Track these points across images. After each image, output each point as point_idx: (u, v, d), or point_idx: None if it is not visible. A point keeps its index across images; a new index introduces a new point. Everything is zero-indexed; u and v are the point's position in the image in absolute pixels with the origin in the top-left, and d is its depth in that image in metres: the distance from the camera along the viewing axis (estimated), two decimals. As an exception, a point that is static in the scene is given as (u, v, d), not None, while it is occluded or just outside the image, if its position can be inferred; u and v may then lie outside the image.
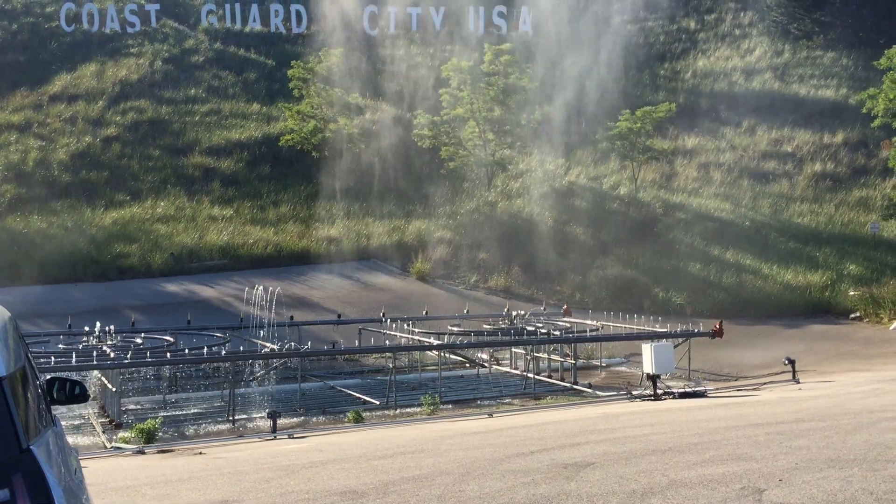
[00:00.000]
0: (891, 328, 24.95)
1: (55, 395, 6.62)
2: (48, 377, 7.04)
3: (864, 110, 35.36)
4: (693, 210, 34.59)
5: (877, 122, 34.29)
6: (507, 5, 50.53)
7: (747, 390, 17.90)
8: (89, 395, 7.83)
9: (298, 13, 49.93)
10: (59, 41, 46.44)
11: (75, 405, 7.88)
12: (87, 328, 19.22)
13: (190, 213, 33.51)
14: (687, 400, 16.59)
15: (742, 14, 52.23)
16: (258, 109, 41.79)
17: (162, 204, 33.96)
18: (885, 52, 34.37)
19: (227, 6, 49.85)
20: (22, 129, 38.49)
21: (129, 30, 47.62)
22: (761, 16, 51.05)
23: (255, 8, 49.77)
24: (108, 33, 47.25)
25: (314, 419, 16.58)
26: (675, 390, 17.69)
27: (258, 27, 49.36)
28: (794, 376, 18.56)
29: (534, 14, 49.93)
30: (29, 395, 5.27)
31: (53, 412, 6.54)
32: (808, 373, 19.33)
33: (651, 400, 16.84)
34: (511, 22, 50.07)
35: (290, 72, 38.38)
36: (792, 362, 18.76)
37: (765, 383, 18.77)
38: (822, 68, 46.26)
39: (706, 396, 17.01)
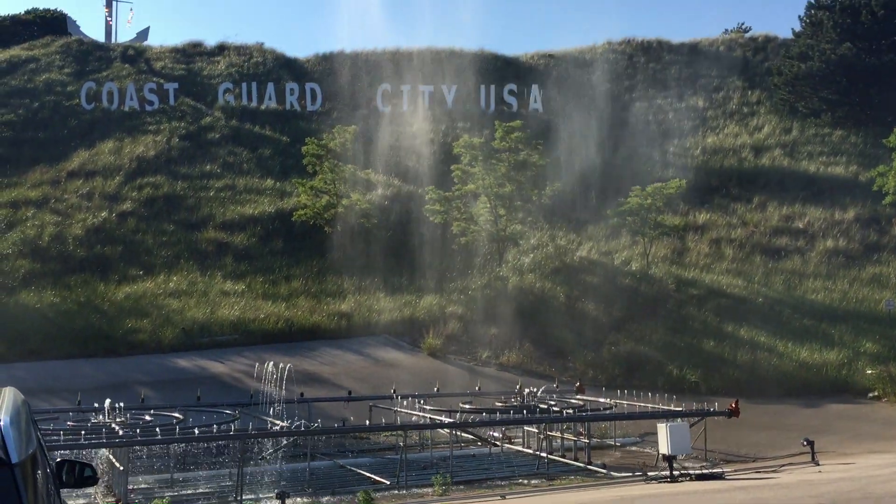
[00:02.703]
0: (910, 408, 24.51)
1: (64, 479, 6.55)
2: (58, 459, 6.97)
3: (875, 188, 35.53)
4: (705, 286, 34.46)
5: (888, 200, 34.40)
6: (518, 84, 51.50)
7: (766, 472, 17.51)
8: (98, 478, 7.72)
9: (313, 91, 51.01)
10: (79, 119, 47.44)
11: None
12: (96, 405, 19.09)
13: (202, 287, 33.60)
14: (704, 482, 16.23)
15: (749, 93, 53.00)
16: (272, 185, 42.31)
17: (175, 278, 34.10)
18: (894, 129, 34.73)
19: (244, 85, 51.01)
20: (39, 205, 39.01)
21: (148, 108, 48.69)
22: (769, 94, 51.79)
23: (270, 86, 50.88)
24: (126, 111, 48.31)
25: (323, 500, 16.27)
26: (691, 472, 17.32)
27: (273, 105, 50.39)
28: (813, 458, 18.17)
29: (544, 92, 50.84)
30: (39, 480, 5.21)
31: (62, 495, 6.46)
32: (828, 454, 18.92)
33: (667, 482, 16.48)
34: (521, 100, 50.95)
35: (304, 148, 38.98)
36: (811, 443, 18.38)
37: (783, 465, 18.36)
38: (830, 146, 46.65)
39: (724, 479, 16.64)
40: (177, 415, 19.20)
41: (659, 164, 45.37)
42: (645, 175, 40.32)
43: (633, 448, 22.07)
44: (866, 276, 35.43)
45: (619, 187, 38.22)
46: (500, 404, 22.11)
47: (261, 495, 16.61)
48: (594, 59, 56.42)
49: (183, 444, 18.42)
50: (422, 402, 22.12)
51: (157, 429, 17.02)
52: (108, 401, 18.85)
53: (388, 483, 17.32)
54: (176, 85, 50.49)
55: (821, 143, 47.07)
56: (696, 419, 19.84)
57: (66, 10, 63.68)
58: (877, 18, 47.96)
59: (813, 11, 50.86)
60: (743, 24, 67.63)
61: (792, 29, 54.50)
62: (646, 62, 56.45)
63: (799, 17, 52.83)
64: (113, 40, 61.64)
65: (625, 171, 41.04)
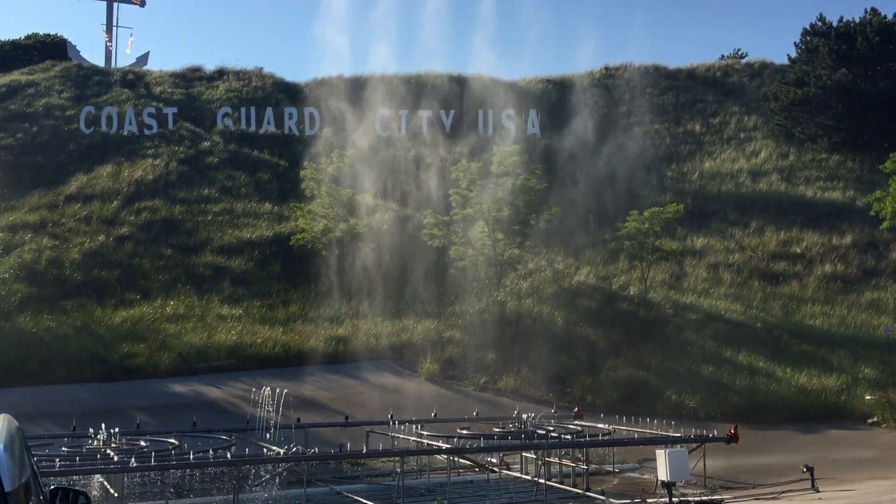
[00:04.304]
0: (910, 433, 24.39)
1: (57, 507, 6.47)
2: (52, 487, 6.89)
3: (872, 213, 35.59)
4: (704, 311, 34.41)
5: (885, 225, 34.44)
6: (516, 108, 51.73)
7: (765, 499, 17.39)
8: (92, 506, 7.63)
9: (312, 116, 51.20)
10: (78, 143, 47.54)
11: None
12: (91, 430, 18.94)
13: (199, 311, 33.50)
14: (703, 509, 16.10)
15: (746, 118, 53.26)
16: (270, 209, 42.33)
17: (171, 303, 34.00)
18: (890, 155, 34.85)
19: (243, 109, 51.22)
20: (36, 229, 38.97)
21: (147, 132, 48.82)
22: (765, 119, 52.04)
23: (269, 111, 51.11)
24: (125, 135, 48.42)
25: (320, 527, 16.11)
26: (690, 498, 17.19)
27: (272, 129, 50.56)
28: (812, 484, 18.06)
29: (542, 117, 51.07)
30: (31, 509, 5.14)
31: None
32: (827, 481, 18.80)
33: (666, 509, 16.35)
34: (519, 124, 51.16)
35: (302, 172, 39.03)
36: (810, 470, 18.27)
37: (783, 492, 18.24)
38: (827, 171, 46.81)
39: (723, 505, 16.52)
40: (172, 441, 19.05)
41: (656, 189, 45.49)
42: (642, 200, 40.42)
43: (632, 474, 21.93)
44: (864, 302, 35.40)
45: (616, 212, 38.26)
46: (497, 430, 21.98)
47: (256, 522, 16.44)
48: (591, 84, 56.74)
49: (178, 471, 18.25)
50: (419, 427, 21.98)
51: (153, 455, 16.88)
52: (103, 426, 18.71)
53: (385, 510, 17.17)
54: (175, 109, 50.66)
55: (818, 168, 47.23)
56: (695, 445, 19.73)
57: (66, 36, 63.98)
58: (872, 45, 48.32)
59: (809, 37, 51.25)
60: (739, 49, 68.24)
61: (788, 55, 54.82)
62: (643, 87, 56.75)
63: (795, 43, 53.23)
64: (113, 65, 61.94)
65: (622, 195, 41.12)
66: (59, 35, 61.45)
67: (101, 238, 38.55)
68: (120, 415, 22.93)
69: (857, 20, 49.99)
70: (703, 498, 17.12)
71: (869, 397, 26.99)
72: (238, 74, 56.93)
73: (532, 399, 27.91)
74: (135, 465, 15.91)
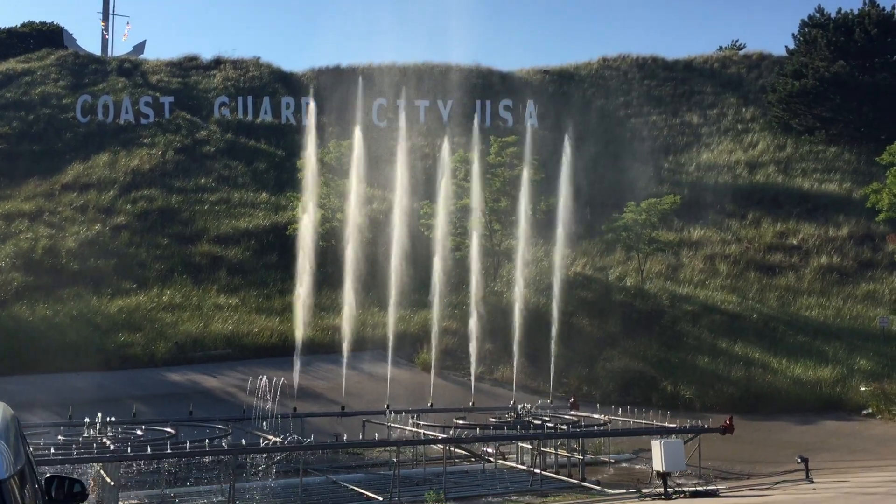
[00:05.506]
0: (904, 425, 24.46)
1: (53, 495, 6.49)
2: (47, 475, 6.90)
3: (868, 205, 35.62)
4: (700, 302, 34.46)
5: (881, 217, 34.44)
6: (513, 99, 51.67)
7: (760, 489, 17.45)
8: (88, 494, 7.65)
9: (309, 105, 51.05)
10: (74, 132, 47.44)
11: (73, 504, 7.69)
12: (87, 419, 18.95)
13: (196, 301, 33.48)
14: (698, 499, 16.16)
15: (743, 109, 53.25)
16: (267, 199, 42.28)
17: (168, 292, 33.98)
18: (887, 147, 34.81)
19: (240, 99, 51.12)
20: (33, 218, 38.91)
21: (143, 121, 48.73)
22: (763, 111, 52.02)
23: (266, 100, 51.01)
24: (122, 124, 48.32)
25: (316, 516, 16.14)
26: (685, 489, 17.25)
27: (269, 119, 50.47)
28: (807, 475, 18.11)
29: (539, 108, 50.98)
30: (27, 496, 5.16)
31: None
32: (822, 471, 18.87)
33: (662, 499, 16.41)
34: (517, 115, 51.11)
35: (299, 162, 38.94)
36: (805, 460, 18.32)
37: (778, 482, 18.31)
38: (824, 162, 46.85)
39: (718, 496, 16.58)
40: (169, 429, 19.08)
41: (653, 180, 45.50)
42: (639, 191, 40.41)
43: (628, 464, 22.01)
44: (860, 293, 35.48)
45: (613, 203, 38.25)
46: (493, 420, 22.04)
47: (253, 511, 16.48)
48: (589, 76, 56.71)
49: (174, 460, 18.28)
50: (415, 417, 22.04)
51: (149, 444, 16.90)
52: (99, 415, 18.73)
53: (381, 499, 17.22)
54: (172, 98, 50.54)
55: (815, 159, 47.25)
56: (691, 436, 19.80)
57: (62, 24, 63.70)
58: (870, 37, 48.28)
59: (807, 29, 51.19)
60: (737, 41, 68.17)
61: (786, 46, 54.86)
62: (641, 78, 56.69)
63: (793, 34, 53.24)
64: (109, 54, 61.73)
65: (619, 186, 41.12)
66: (55, 23, 61.28)
67: (98, 227, 38.49)
68: (116, 404, 22.91)
69: (856, 12, 49.95)
70: (699, 488, 17.19)
71: (864, 388, 27.06)
72: (235, 64, 56.78)
73: (528, 389, 27.97)
74: (131, 453, 15.94)
